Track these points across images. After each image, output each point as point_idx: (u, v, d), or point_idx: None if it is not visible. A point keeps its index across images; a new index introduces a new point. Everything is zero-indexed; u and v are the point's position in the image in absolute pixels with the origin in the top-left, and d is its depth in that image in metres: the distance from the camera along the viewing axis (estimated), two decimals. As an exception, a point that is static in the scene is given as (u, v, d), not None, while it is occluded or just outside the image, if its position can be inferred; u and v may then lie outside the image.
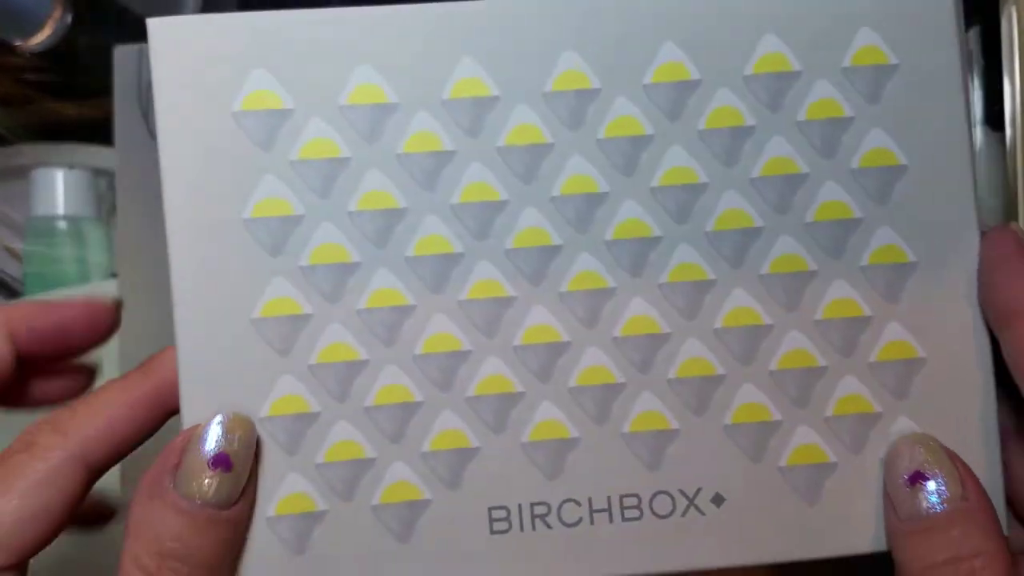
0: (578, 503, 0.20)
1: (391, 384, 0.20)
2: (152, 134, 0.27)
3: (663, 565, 0.20)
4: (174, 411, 0.20)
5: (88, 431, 0.19)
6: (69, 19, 0.34)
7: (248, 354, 0.20)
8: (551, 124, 0.20)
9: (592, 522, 0.20)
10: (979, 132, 0.31)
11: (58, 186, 0.37)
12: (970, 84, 0.30)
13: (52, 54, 0.35)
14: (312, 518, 0.20)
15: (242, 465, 0.19)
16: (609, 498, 0.20)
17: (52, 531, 0.19)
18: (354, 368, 0.20)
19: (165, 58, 0.20)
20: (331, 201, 0.20)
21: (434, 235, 0.20)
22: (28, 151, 0.38)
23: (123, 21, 0.36)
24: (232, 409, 0.19)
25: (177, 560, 0.18)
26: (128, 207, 0.33)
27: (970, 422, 0.20)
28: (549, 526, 0.20)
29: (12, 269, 0.39)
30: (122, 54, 0.33)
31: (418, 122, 0.20)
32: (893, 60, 0.21)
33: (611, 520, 0.20)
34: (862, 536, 0.20)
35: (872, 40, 0.21)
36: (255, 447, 0.20)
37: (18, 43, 0.34)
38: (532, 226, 0.20)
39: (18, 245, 0.39)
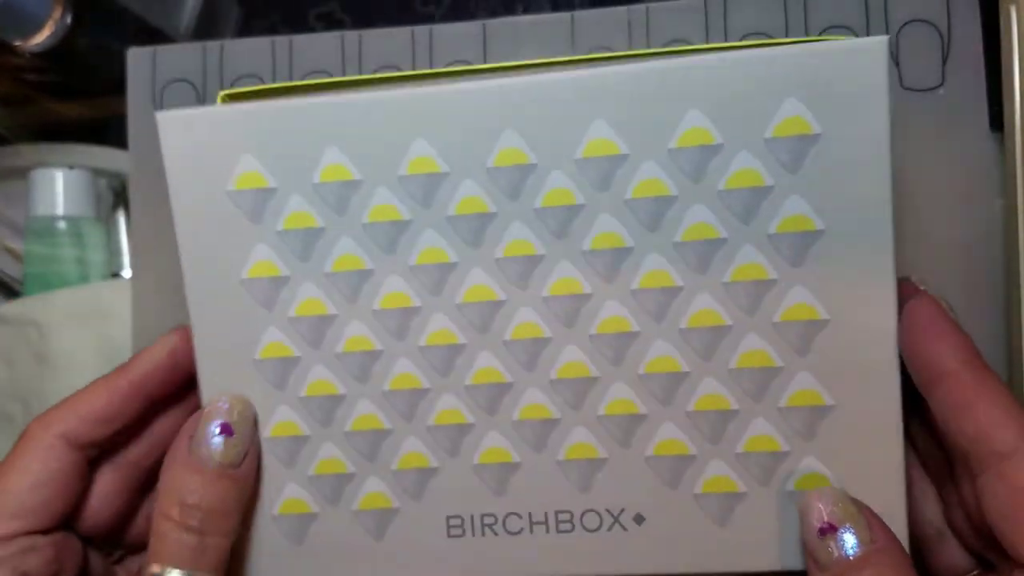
0: (520, 516, 0.24)
1: (365, 413, 0.24)
2: None
3: (591, 569, 0.24)
4: (154, 398, 0.25)
5: (70, 420, 0.24)
6: (69, 19, 0.34)
7: (252, 389, 0.24)
8: (495, 196, 0.23)
9: (532, 532, 0.24)
10: None
11: (58, 186, 0.36)
12: None
13: (52, 54, 0.34)
14: (307, 518, 0.25)
15: (241, 432, 0.24)
16: (546, 513, 0.24)
17: (61, 499, 0.24)
18: (334, 401, 0.24)
19: (173, 146, 0.24)
20: (311, 264, 0.24)
21: (396, 292, 0.24)
22: (28, 151, 0.38)
23: (123, 21, 0.35)
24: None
25: (195, 509, 0.23)
26: (142, 207, 0.32)
27: (878, 470, 0.22)
28: (496, 533, 0.24)
29: (12, 269, 0.39)
30: (136, 56, 0.33)
31: (379, 196, 0.23)
32: (816, 130, 0.22)
33: (547, 532, 0.24)
34: (766, 555, 0.23)
35: (797, 111, 0.22)
36: (253, 421, 0.25)
37: (18, 43, 0.33)
38: (479, 283, 0.24)
39: (18, 245, 0.38)
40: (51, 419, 0.24)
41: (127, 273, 0.38)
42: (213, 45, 0.32)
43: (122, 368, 0.26)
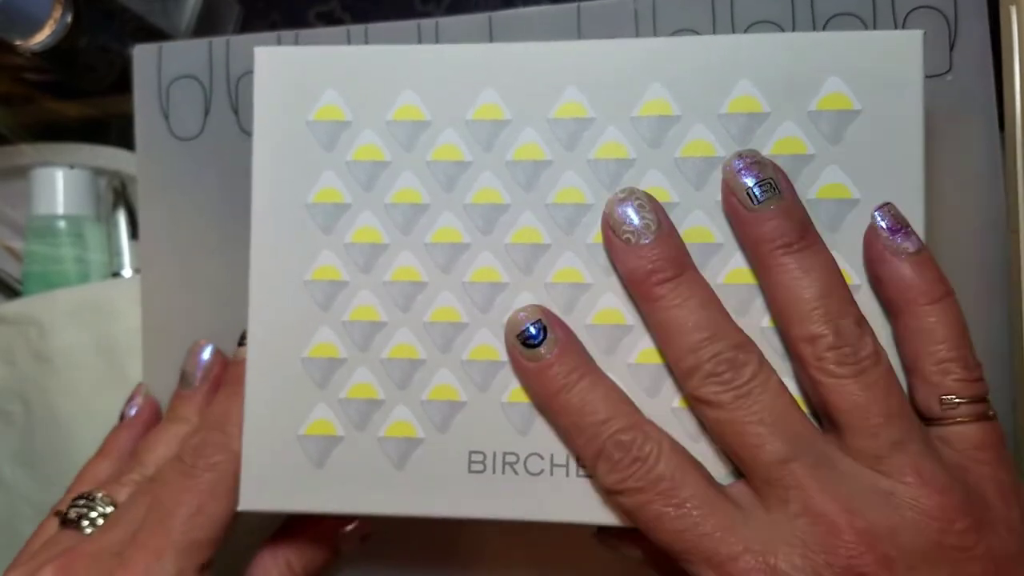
0: (541, 457, 0.24)
1: (403, 343, 0.25)
2: (173, 134, 0.32)
3: (607, 518, 0.24)
4: None
5: (239, 446, 0.26)
6: (69, 19, 0.34)
7: (298, 308, 0.26)
8: (552, 145, 0.25)
9: (552, 474, 0.24)
10: None
11: (58, 185, 0.37)
12: None
13: (53, 54, 0.34)
14: (332, 441, 0.25)
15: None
16: (567, 456, 0.24)
17: (232, 527, 0.26)
18: (375, 327, 0.25)
19: (265, 78, 0.26)
20: (372, 194, 0.26)
21: (448, 227, 0.25)
22: (28, 150, 0.38)
23: (123, 21, 0.34)
24: (279, 346, 0.25)
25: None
26: (150, 206, 0.32)
27: None
28: (516, 472, 0.24)
29: (12, 268, 0.39)
30: (141, 53, 0.32)
31: (445, 137, 0.25)
32: (857, 106, 0.23)
33: (567, 475, 0.24)
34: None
35: (839, 88, 0.23)
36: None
37: (19, 43, 0.33)
38: (527, 226, 0.25)
39: (18, 244, 0.39)
40: (226, 447, 0.26)
41: (127, 272, 0.38)
42: (219, 41, 0.32)
43: (239, 388, 0.26)
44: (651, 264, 0.23)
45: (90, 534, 0.26)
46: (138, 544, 0.25)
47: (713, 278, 0.24)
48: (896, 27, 0.28)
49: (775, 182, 0.23)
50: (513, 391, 0.25)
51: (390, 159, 0.25)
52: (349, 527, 0.29)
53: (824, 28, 0.29)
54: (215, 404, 0.27)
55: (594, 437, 0.23)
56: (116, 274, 0.38)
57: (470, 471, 0.25)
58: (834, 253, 0.23)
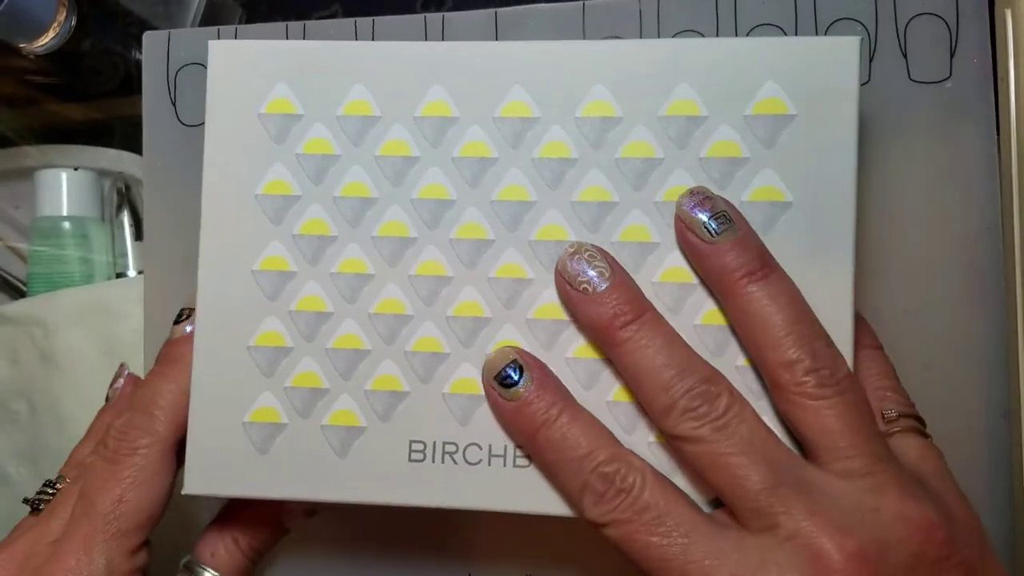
0: (480, 447, 0.25)
1: (348, 333, 0.26)
2: (180, 120, 0.33)
3: (542, 508, 0.25)
4: None
5: (168, 427, 0.26)
6: (73, 22, 0.34)
7: (246, 297, 0.26)
8: (497, 143, 0.25)
9: (489, 464, 0.25)
10: None
11: (63, 187, 0.37)
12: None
13: (57, 56, 0.35)
14: (276, 428, 0.26)
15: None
16: (505, 447, 0.25)
17: (164, 506, 0.26)
18: (321, 318, 0.26)
19: (218, 69, 0.26)
20: (321, 187, 0.26)
21: (396, 221, 0.26)
22: (33, 152, 0.38)
23: (127, 24, 0.35)
24: (226, 335, 0.26)
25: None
26: (156, 192, 0.33)
27: None
28: (455, 462, 0.25)
29: (17, 269, 0.40)
30: (151, 40, 0.33)
31: (394, 132, 0.26)
32: (792, 111, 0.24)
33: (504, 465, 0.25)
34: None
35: (775, 92, 0.24)
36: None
37: (23, 45, 0.34)
38: (472, 221, 0.25)
39: (23, 245, 0.39)
40: (152, 430, 0.26)
41: (131, 273, 0.38)
42: (227, 29, 0.33)
43: (174, 366, 0.27)
44: (612, 309, 0.23)
45: (34, 522, 0.27)
46: (67, 536, 0.25)
47: (648, 277, 0.25)
48: (899, 33, 0.29)
49: (728, 215, 0.23)
50: (455, 383, 0.25)
51: (340, 153, 0.26)
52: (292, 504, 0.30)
53: (827, 32, 0.29)
54: (144, 384, 0.27)
55: (578, 472, 0.23)
56: (120, 275, 0.39)
57: (410, 460, 0.25)
58: (765, 255, 0.24)
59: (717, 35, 0.30)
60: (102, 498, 0.25)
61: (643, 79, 0.25)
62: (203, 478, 0.26)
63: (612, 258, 0.24)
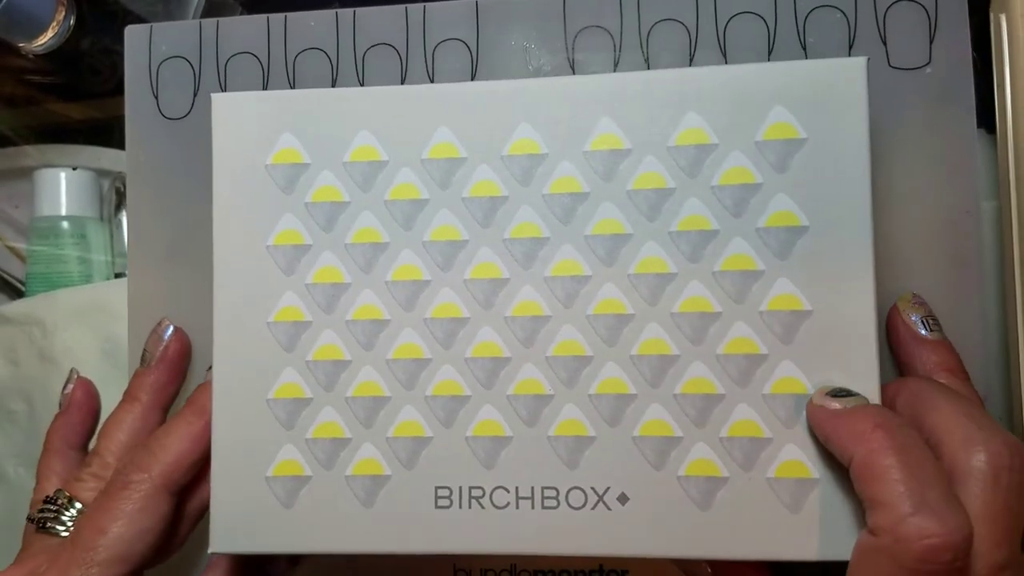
0: (507, 490, 0.25)
1: (367, 380, 0.25)
2: (162, 114, 0.32)
3: (573, 549, 0.24)
4: None
5: (164, 466, 0.26)
6: (72, 21, 0.34)
7: (262, 350, 0.26)
8: (507, 181, 0.25)
9: (517, 507, 0.25)
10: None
11: (62, 187, 0.37)
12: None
13: (56, 56, 0.35)
14: (300, 481, 0.25)
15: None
16: (532, 488, 0.25)
17: (155, 546, 0.26)
18: (339, 366, 0.26)
19: (222, 123, 0.26)
20: (332, 234, 0.26)
21: (409, 265, 0.26)
22: (32, 152, 0.38)
23: (127, 23, 0.34)
24: (244, 389, 0.26)
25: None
26: (138, 186, 0.32)
27: None
28: (482, 506, 0.25)
29: (16, 269, 0.40)
30: (133, 33, 0.33)
31: (402, 176, 0.26)
32: (802, 135, 0.24)
33: (532, 507, 0.24)
34: (745, 543, 0.23)
35: (784, 117, 0.24)
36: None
37: (22, 45, 0.34)
38: (486, 261, 0.25)
39: (21, 245, 0.39)
40: (147, 466, 0.26)
41: None
42: (209, 22, 0.32)
43: (193, 410, 0.28)
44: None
45: (45, 543, 0.27)
46: (51, 562, 0.26)
47: (668, 307, 0.24)
48: (878, 20, 0.29)
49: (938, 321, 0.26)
50: (477, 425, 0.25)
51: (349, 199, 0.26)
52: None
53: (806, 20, 0.29)
54: (163, 425, 0.28)
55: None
56: (119, 275, 0.39)
57: (437, 506, 0.25)
58: (784, 280, 0.24)
59: (697, 24, 0.30)
60: (87, 528, 0.26)
61: (650, 110, 0.25)
62: (229, 535, 0.26)
63: None
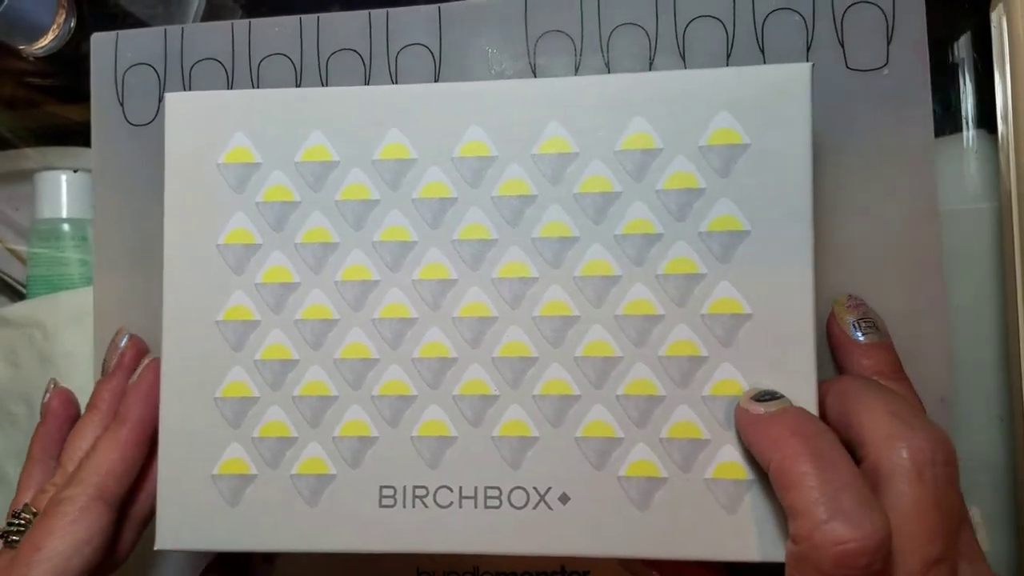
0: (450, 489, 0.25)
1: (314, 380, 0.26)
2: (128, 120, 0.32)
3: (514, 548, 0.24)
4: (151, 441, 0.27)
5: (97, 477, 0.26)
6: (73, 24, 0.35)
7: (211, 348, 0.26)
8: (457, 183, 0.25)
9: (460, 506, 0.25)
10: (973, 135, 0.31)
11: (62, 189, 0.37)
12: (962, 88, 0.31)
13: (56, 58, 0.35)
14: (245, 479, 0.25)
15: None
16: (476, 488, 0.25)
17: (95, 560, 0.26)
18: (287, 366, 0.26)
19: (176, 122, 0.27)
20: (282, 234, 0.26)
21: (358, 265, 0.26)
22: (33, 154, 0.38)
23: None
24: (192, 387, 0.26)
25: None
26: (105, 193, 0.32)
27: None
28: (426, 505, 0.25)
29: (16, 271, 0.40)
30: (99, 41, 0.33)
31: (353, 176, 0.26)
32: (746, 140, 0.24)
33: (475, 506, 0.25)
34: (683, 543, 0.24)
35: (728, 123, 0.24)
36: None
37: (22, 47, 0.34)
38: (435, 262, 0.25)
39: (22, 247, 0.39)
40: (79, 480, 0.26)
41: None
42: (174, 29, 0.33)
43: (117, 419, 0.27)
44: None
45: (8, 557, 0.27)
46: None
47: (612, 309, 0.25)
48: (836, 22, 0.29)
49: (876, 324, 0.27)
50: (423, 425, 0.25)
51: (299, 199, 0.26)
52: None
53: (764, 23, 0.29)
54: (96, 441, 0.28)
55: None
56: None
57: (381, 505, 0.25)
58: (725, 283, 0.24)
59: (657, 28, 0.30)
60: (25, 544, 0.26)
61: (598, 114, 0.25)
62: (174, 533, 0.26)
63: None
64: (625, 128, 0.25)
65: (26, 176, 0.39)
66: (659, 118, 0.25)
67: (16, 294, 0.40)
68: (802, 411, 0.23)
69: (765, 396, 0.23)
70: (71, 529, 0.25)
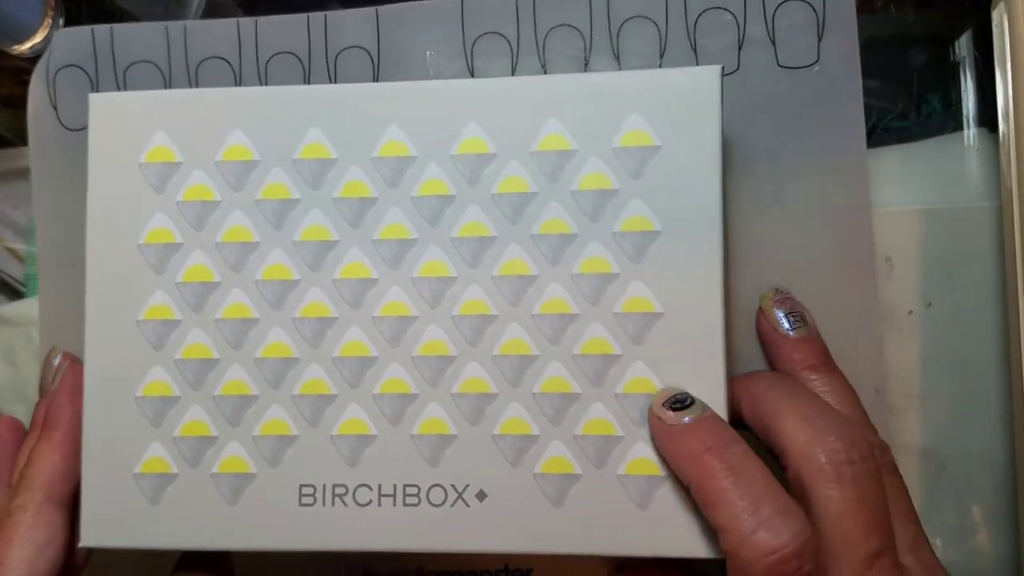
0: (370, 487, 0.25)
1: (234, 379, 0.26)
2: (62, 123, 0.32)
3: (433, 545, 0.25)
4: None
5: (41, 481, 0.26)
6: (61, 23, 0.34)
7: (132, 348, 0.26)
8: (376, 183, 0.26)
9: (379, 504, 0.25)
10: (974, 133, 0.31)
11: None
12: (963, 86, 0.32)
13: None
14: (166, 478, 0.26)
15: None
16: (395, 486, 0.25)
17: (59, 562, 0.26)
18: (207, 365, 0.26)
19: (99, 122, 0.26)
20: (203, 233, 0.26)
21: (278, 264, 0.26)
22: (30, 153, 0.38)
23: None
24: (114, 386, 0.26)
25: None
26: (43, 199, 0.32)
27: None
28: (345, 504, 0.25)
29: (14, 270, 0.40)
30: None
31: (273, 176, 0.26)
32: (657, 142, 0.25)
33: (394, 504, 0.25)
34: (597, 539, 0.24)
35: (639, 125, 0.25)
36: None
37: (12, 48, 0.34)
38: (355, 261, 0.26)
39: (21, 246, 0.40)
40: (25, 488, 0.26)
41: None
42: (102, 29, 0.32)
43: (48, 424, 0.27)
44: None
45: None
46: None
47: (529, 308, 0.25)
48: (767, 20, 0.29)
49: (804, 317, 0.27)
50: (342, 424, 0.25)
51: (220, 198, 0.26)
52: None
53: (696, 22, 0.30)
54: (32, 451, 0.27)
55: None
56: None
57: (301, 504, 0.25)
58: (637, 283, 0.24)
59: (591, 29, 0.30)
60: None
61: (515, 116, 0.25)
62: (98, 531, 0.26)
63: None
64: (541, 129, 0.25)
65: (24, 175, 0.38)
66: (573, 120, 0.25)
67: (15, 293, 0.40)
68: (713, 420, 0.23)
69: (676, 404, 0.24)
70: (29, 535, 0.25)
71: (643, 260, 0.25)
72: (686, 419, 0.23)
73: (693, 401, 0.23)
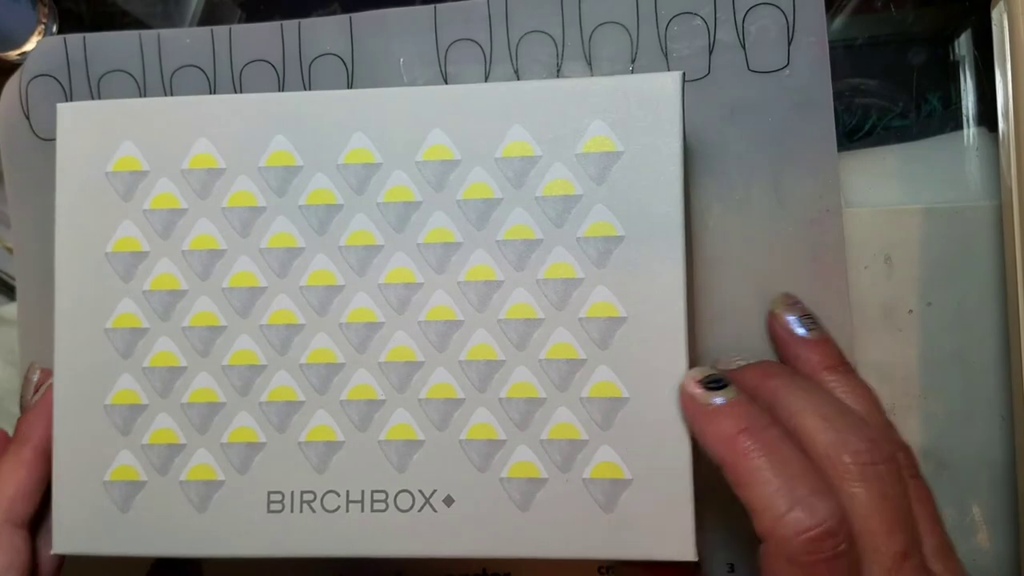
0: (337, 494, 0.25)
1: (202, 387, 0.26)
2: (35, 133, 0.32)
3: (401, 550, 0.25)
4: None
5: (5, 500, 0.26)
6: (55, 28, 0.35)
7: (100, 356, 0.26)
8: (343, 190, 0.26)
9: (347, 510, 0.25)
10: (974, 133, 0.32)
11: None
12: (963, 86, 0.32)
13: None
14: (135, 486, 0.26)
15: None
16: (363, 492, 0.25)
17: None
18: (175, 373, 0.26)
19: (67, 132, 0.26)
20: (169, 242, 0.26)
21: (245, 272, 0.26)
22: None
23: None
24: (83, 394, 0.26)
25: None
26: (20, 210, 0.32)
27: (666, 460, 0.24)
28: (313, 510, 0.25)
29: (12, 269, 0.38)
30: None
31: (239, 183, 0.26)
32: (619, 148, 0.25)
33: (362, 510, 0.25)
34: (565, 542, 0.24)
35: (602, 131, 0.25)
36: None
37: (8, 54, 0.34)
38: (321, 268, 0.26)
39: None
40: None
41: None
42: (75, 38, 0.32)
43: (17, 440, 0.27)
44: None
45: None
46: None
47: (495, 314, 0.25)
48: (737, 25, 0.30)
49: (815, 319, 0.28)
50: (310, 431, 0.25)
51: (186, 207, 0.26)
52: None
53: (667, 28, 0.30)
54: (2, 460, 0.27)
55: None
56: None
57: (269, 511, 0.25)
58: (601, 288, 0.25)
59: (563, 35, 0.30)
60: None
61: (479, 122, 0.25)
62: (69, 538, 0.26)
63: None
64: (505, 136, 0.25)
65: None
66: (537, 126, 0.25)
67: (15, 293, 0.38)
68: (748, 403, 0.23)
69: (712, 383, 0.23)
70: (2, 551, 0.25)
71: (607, 265, 0.25)
72: (718, 400, 0.23)
73: (727, 384, 0.23)
